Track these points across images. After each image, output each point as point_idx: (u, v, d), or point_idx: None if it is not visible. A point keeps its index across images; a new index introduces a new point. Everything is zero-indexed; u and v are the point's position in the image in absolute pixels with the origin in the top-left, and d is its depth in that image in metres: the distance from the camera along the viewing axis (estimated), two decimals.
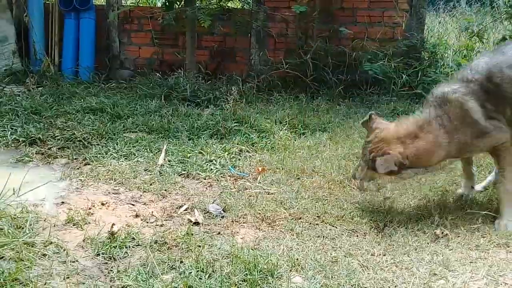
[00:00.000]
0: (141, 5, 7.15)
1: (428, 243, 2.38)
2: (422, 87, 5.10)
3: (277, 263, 2.13)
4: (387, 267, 2.17)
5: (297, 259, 2.19)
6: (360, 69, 5.29)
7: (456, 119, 2.51)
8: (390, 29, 5.55)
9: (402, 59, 5.29)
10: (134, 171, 3.22)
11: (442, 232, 2.46)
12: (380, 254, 2.27)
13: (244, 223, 2.59)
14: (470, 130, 2.51)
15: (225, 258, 2.18)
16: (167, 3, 5.66)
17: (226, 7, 5.90)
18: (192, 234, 2.39)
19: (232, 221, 2.59)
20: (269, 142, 3.83)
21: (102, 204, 2.75)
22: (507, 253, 2.31)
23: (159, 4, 7.41)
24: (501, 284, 2.06)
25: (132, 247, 2.28)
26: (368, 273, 2.11)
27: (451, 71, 5.14)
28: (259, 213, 2.66)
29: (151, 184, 3.05)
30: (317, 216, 2.65)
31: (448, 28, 6.49)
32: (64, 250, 2.21)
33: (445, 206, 2.78)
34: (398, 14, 5.46)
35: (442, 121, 2.52)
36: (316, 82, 5.39)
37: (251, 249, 2.27)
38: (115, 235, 2.33)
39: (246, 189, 3.02)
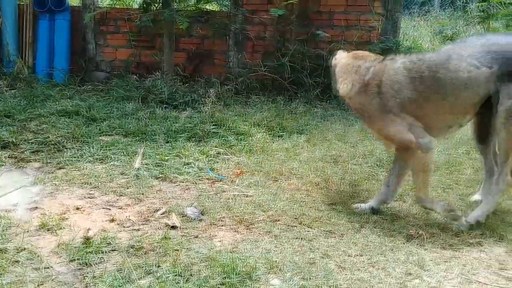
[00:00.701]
0: (118, 6, 7.07)
1: (403, 243, 2.41)
2: None
3: (255, 265, 2.13)
4: (363, 267, 2.19)
5: (275, 261, 2.19)
6: None
7: None
8: (366, 33, 5.63)
9: None
10: (109, 175, 3.18)
11: (417, 232, 2.50)
12: (356, 255, 2.29)
13: (222, 226, 2.58)
14: None
15: (202, 262, 2.17)
16: (144, 5, 5.62)
17: (204, 9, 5.89)
18: (169, 238, 2.37)
19: (210, 224, 2.58)
20: (247, 144, 3.83)
21: (77, 208, 2.70)
22: (480, 252, 2.36)
23: (136, 6, 7.34)
24: (474, 282, 2.10)
25: (108, 252, 2.25)
26: (345, 274, 2.13)
27: None
28: (237, 216, 2.66)
29: (127, 188, 3.01)
30: (295, 218, 2.66)
31: (422, 32, 6.62)
32: (38, 256, 2.16)
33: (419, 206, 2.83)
34: (374, 18, 5.54)
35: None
36: (293, 85, 5.42)
37: (229, 252, 2.26)
38: (90, 240, 2.29)
39: (224, 191, 3.02)
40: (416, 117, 2.56)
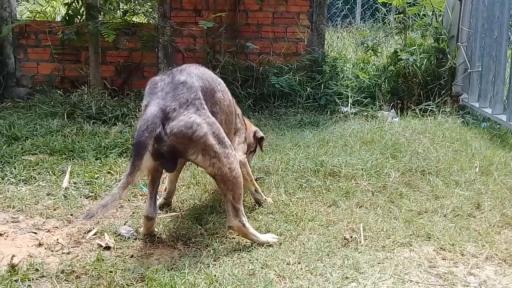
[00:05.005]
0: (38, 19, 6.73)
1: (339, 248, 2.48)
2: (325, 99, 5.39)
3: (194, 281, 2.09)
4: (302, 275, 2.22)
5: (215, 276, 2.17)
6: (267, 83, 5.44)
7: None
8: (293, 44, 5.79)
9: (305, 73, 5.54)
10: (35, 197, 3.01)
11: (351, 236, 2.58)
12: (295, 263, 2.32)
13: (158, 243, 2.52)
14: None
15: (139, 282, 2.10)
16: (67, 17, 5.39)
17: (131, 21, 5.76)
18: (102, 260, 2.28)
19: (146, 242, 2.51)
20: None
21: (0, 234, 2.52)
22: (410, 251, 2.48)
23: (58, 18, 7.03)
24: (407, 281, 2.21)
25: (36, 279, 2.12)
26: (285, 283, 2.15)
27: (350, 83, 5.47)
28: (174, 232, 2.61)
29: (55, 209, 2.86)
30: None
31: (345, 43, 6.90)
32: None
33: (352, 210, 2.93)
34: (300, 30, 5.71)
35: None
36: None
37: (167, 270, 2.21)
38: (15, 268, 2.15)
39: (159, 207, 2.95)
40: None
